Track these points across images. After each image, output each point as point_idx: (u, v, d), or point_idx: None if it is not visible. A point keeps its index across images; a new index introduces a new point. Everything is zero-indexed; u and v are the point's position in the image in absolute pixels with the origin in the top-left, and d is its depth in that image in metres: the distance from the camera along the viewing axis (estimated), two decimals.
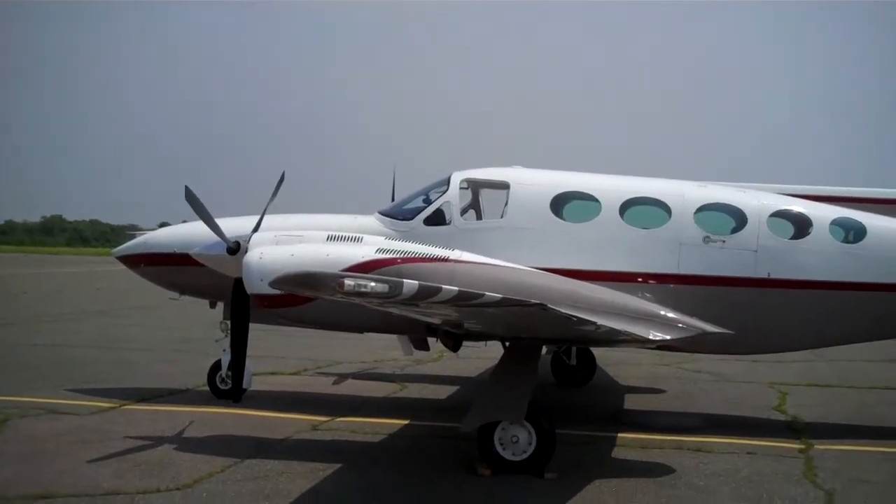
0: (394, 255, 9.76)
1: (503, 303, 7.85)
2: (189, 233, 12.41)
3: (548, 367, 15.75)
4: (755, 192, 12.35)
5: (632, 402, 14.56)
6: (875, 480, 9.94)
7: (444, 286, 7.46)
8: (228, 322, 11.71)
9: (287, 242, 10.30)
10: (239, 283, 10.20)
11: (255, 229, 11.02)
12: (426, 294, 7.31)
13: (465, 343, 11.15)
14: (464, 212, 12.28)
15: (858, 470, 10.35)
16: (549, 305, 8.16)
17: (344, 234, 10.47)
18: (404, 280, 7.26)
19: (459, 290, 7.49)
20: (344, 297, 7.24)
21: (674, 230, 11.62)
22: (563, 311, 8.50)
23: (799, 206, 12.13)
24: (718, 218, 11.91)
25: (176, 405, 13.08)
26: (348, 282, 7.00)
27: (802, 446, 11.50)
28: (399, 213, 12.09)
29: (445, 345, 10.96)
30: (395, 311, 8.45)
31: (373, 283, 7.08)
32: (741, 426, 12.73)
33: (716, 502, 8.96)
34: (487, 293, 7.77)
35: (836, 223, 11.91)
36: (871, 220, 11.99)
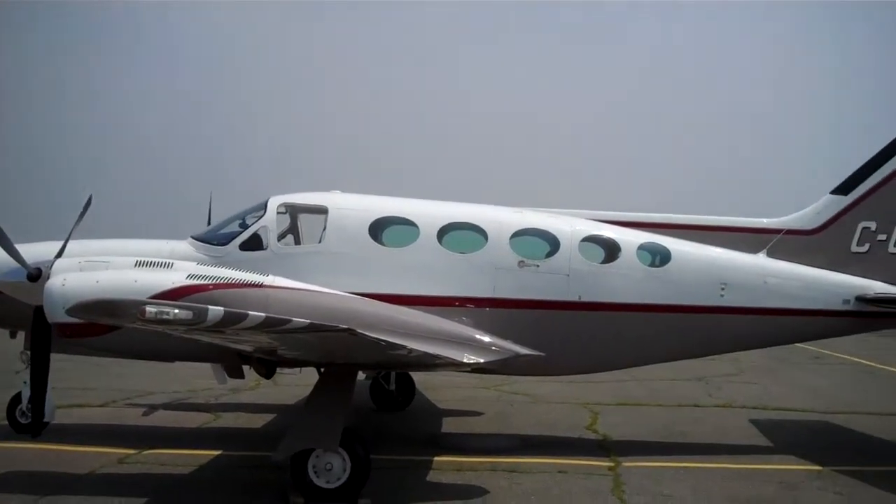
0: (205, 282, 9.52)
1: (311, 328, 7.77)
2: None
3: (367, 393, 15.70)
4: (568, 217, 12.71)
5: (449, 426, 14.66)
6: (677, 495, 10.38)
7: (250, 312, 7.33)
8: (29, 352, 11.08)
9: (93, 269, 9.85)
10: (40, 311, 9.69)
11: (59, 255, 10.49)
12: (232, 321, 7.16)
13: (284, 370, 10.98)
14: (282, 237, 12.08)
15: (662, 485, 10.78)
16: (358, 331, 8.13)
17: (154, 259, 10.11)
18: (209, 307, 7.09)
19: (266, 317, 7.37)
20: (146, 325, 7.00)
21: (490, 255, 11.81)
22: (373, 336, 8.48)
23: (609, 232, 12.55)
24: (533, 243, 12.18)
25: None
26: (150, 309, 6.79)
27: (611, 464, 11.87)
28: (214, 238, 11.78)
29: (258, 372, 10.74)
30: (202, 338, 8.22)
31: (176, 311, 6.88)
32: (554, 446, 13.02)
33: None
34: (295, 318, 7.68)
35: (643, 248, 12.40)
36: (675, 245, 12.55)
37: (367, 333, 8.37)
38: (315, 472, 9.53)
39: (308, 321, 7.79)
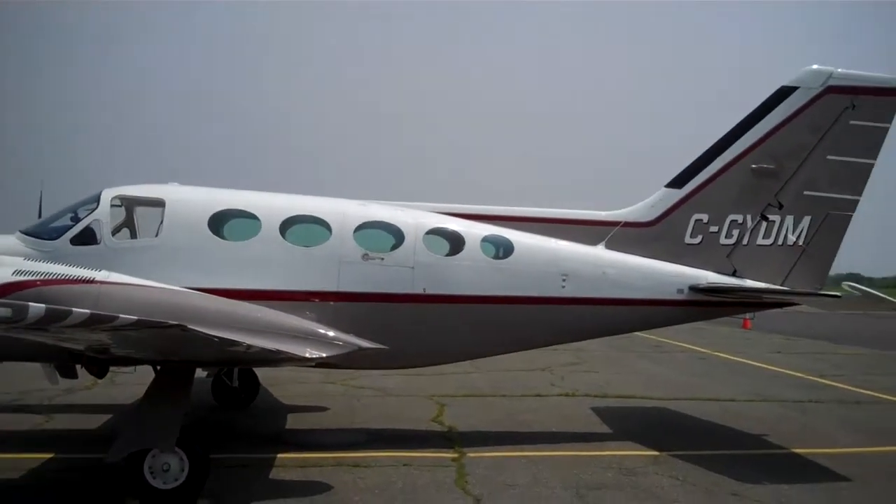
0: (33, 278, 9.06)
1: (140, 324, 7.49)
2: None
3: (209, 390, 15.31)
4: (412, 210, 12.69)
5: (294, 422, 14.44)
6: (519, 483, 10.53)
7: (74, 309, 6.99)
8: None
9: None
10: None
11: None
12: (55, 318, 6.82)
13: (119, 369, 10.59)
14: (116, 231, 11.59)
15: (505, 475, 10.91)
16: (190, 327, 7.88)
17: None
18: (29, 304, 6.73)
19: (91, 313, 7.05)
20: None
21: (334, 248, 11.68)
22: (206, 332, 8.24)
23: (453, 224, 12.61)
24: (378, 236, 12.12)
25: None
26: None
27: (456, 455, 11.95)
28: (43, 232, 11.20)
29: (90, 371, 10.32)
30: (26, 337, 7.81)
31: None
32: (400, 439, 13.00)
33: None
34: (122, 315, 7.38)
35: (487, 240, 12.52)
36: (518, 238, 12.72)
37: (199, 329, 8.12)
38: (151, 473, 9.21)
39: (136, 318, 7.49)
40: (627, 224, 13.67)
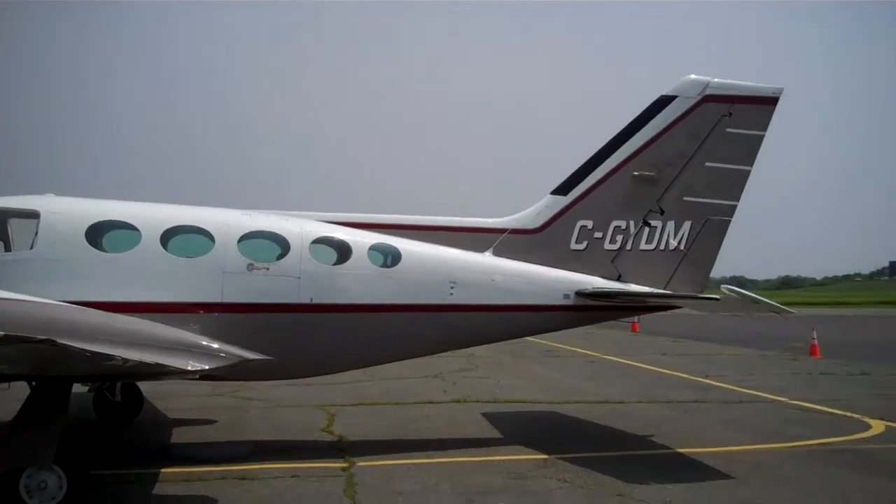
0: None
1: (6, 340, 7.21)
2: None
3: (90, 405, 14.85)
4: (298, 219, 12.59)
5: (180, 436, 14.11)
6: (408, 491, 10.51)
7: None
8: None
9: None
10: None
11: None
12: None
13: None
14: None
15: (394, 483, 10.87)
16: (60, 341, 7.62)
17: None
18: None
19: None
20: None
21: (217, 258, 11.52)
22: (78, 346, 7.99)
23: (340, 233, 12.56)
24: (262, 245, 12.00)
25: None
26: None
27: (346, 465, 11.85)
28: None
29: None
30: None
31: None
32: (288, 450, 12.83)
33: None
34: None
35: (375, 248, 12.52)
36: (406, 246, 12.75)
37: (69, 344, 7.86)
38: (28, 493, 8.89)
39: (2, 333, 7.21)
40: (514, 231, 13.83)
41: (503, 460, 12.33)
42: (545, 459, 12.37)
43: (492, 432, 14.68)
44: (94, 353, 8.24)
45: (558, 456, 12.51)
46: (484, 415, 16.33)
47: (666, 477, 11.33)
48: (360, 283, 12.15)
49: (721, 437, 14.37)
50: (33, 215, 11.23)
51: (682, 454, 12.97)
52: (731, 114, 14.21)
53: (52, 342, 7.50)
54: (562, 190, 14.18)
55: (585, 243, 14.04)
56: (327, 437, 13.98)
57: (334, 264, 12.18)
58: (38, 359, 8.39)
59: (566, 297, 13.34)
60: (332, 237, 12.45)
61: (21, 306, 9.27)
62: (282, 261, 11.82)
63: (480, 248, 13.57)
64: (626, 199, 14.12)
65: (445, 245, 13.26)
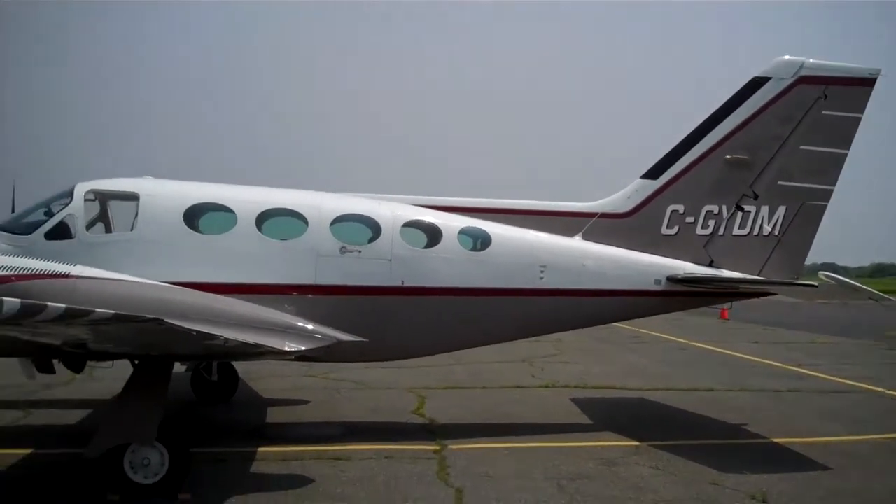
0: (7, 272, 9.01)
1: (116, 319, 7.43)
2: None
3: (188, 384, 15.24)
4: (390, 203, 12.68)
5: (274, 416, 14.39)
6: (500, 475, 10.54)
7: (49, 304, 6.93)
8: None
9: None
10: None
11: None
12: (30, 312, 6.76)
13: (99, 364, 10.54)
14: (91, 225, 11.51)
15: (486, 466, 10.92)
16: (167, 321, 7.83)
17: None
18: (4, 298, 6.65)
19: (67, 308, 6.99)
20: None
21: (311, 241, 11.66)
22: (184, 325, 8.20)
23: (430, 217, 12.61)
24: (355, 228, 12.11)
25: None
26: None
27: (437, 447, 11.95)
28: (17, 227, 11.10)
29: (67, 366, 10.26)
30: (0, 332, 7.74)
31: None
32: (380, 432, 12.97)
33: None
34: (98, 309, 7.32)
35: (465, 232, 12.53)
36: (495, 229, 12.74)
37: (176, 323, 8.08)
38: (132, 468, 9.19)
39: (112, 312, 7.44)
40: (604, 215, 13.72)
41: (593, 446, 12.31)
42: (636, 446, 12.30)
43: (581, 418, 14.65)
44: (198, 334, 8.45)
45: (649, 443, 12.44)
46: (573, 400, 16.30)
47: (760, 466, 11.18)
48: (450, 267, 12.19)
49: (816, 427, 14.10)
50: (133, 198, 11.51)
51: (776, 444, 12.78)
52: (826, 96, 13.86)
53: (159, 322, 7.71)
54: (652, 174, 14.02)
55: (677, 228, 13.87)
56: (418, 420, 14.12)
57: (425, 248, 12.24)
58: (144, 338, 8.63)
59: (657, 282, 13.20)
60: (422, 220, 12.51)
61: (128, 287, 9.57)
62: (373, 244, 11.93)
63: (570, 233, 13.50)
64: (719, 183, 13.89)
65: (534, 229, 13.24)
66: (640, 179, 14.02)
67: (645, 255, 13.42)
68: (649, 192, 13.87)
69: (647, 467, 11.13)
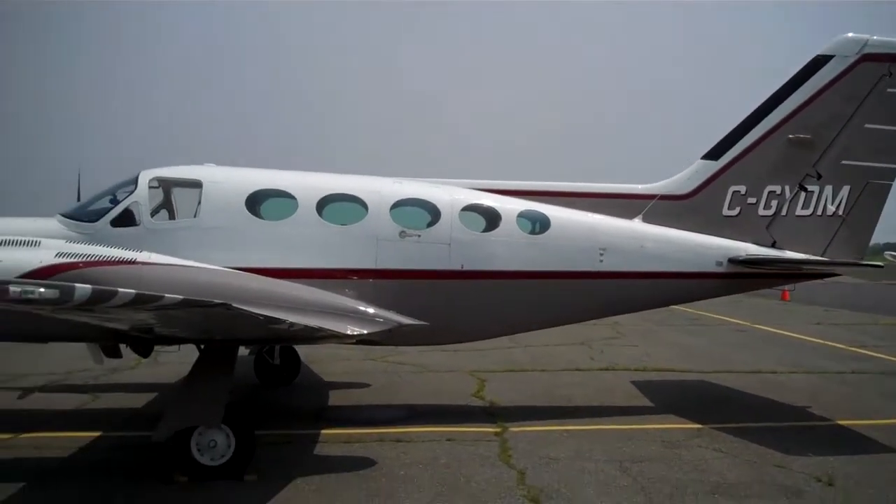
0: (76, 259, 9.18)
1: (185, 304, 7.56)
2: None
3: (251, 368, 15.47)
4: (448, 187, 12.71)
5: (336, 398, 14.55)
6: (562, 457, 10.57)
7: (120, 290, 7.07)
8: None
9: None
10: None
11: None
12: (101, 298, 6.91)
13: (162, 348, 10.76)
14: (155, 212, 11.70)
15: (548, 449, 10.96)
16: (234, 305, 7.96)
17: (19, 238, 9.71)
18: (76, 285, 6.81)
19: (137, 293, 7.13)
20: (11, 305, 6.70)
21: (371, 226, 11.74)
22: (250, 310, 8.33)
23: (489, 200, 12.62)
24: (414, 213, 12.16)
25: None
26: (13, 288, 6.49)
27: (498, 430, 12.01)
28: (83, 215, 11.34)
29: (135, 350, 10.48)
30: (72, 317, 7.93)
31: (41, 290, 6.59)
32: (441, 414, 13.07)
33: (416, 490, 9.16)
34: (167, 295, 7.46)
35: (523, 215, 12.52)
36: (554, 212, 12.71)
37: (243, 308, 8.21)
38: (198, 450, 9.40)
39: (181, 297, 7.57)
40: (664, 197, 13.62)
41: (655, 429, 12.27)
42: (699, 429, 12.23)
43: (642, 400, 14.60)
44: (265, 318, 8.57)
45: (712, 426, 12.37)
46: (633, 383, 16.25)
47: (826, 449, 11.06)
48: (508, 250, 12.19)
49: (882, 409, 13.90)
50: (196, 185, 11.69)
51: (841, 426, 12.61)
52: (891, 73, 13.59)
53: (227, 307, 7.84)
54: (713, 154, 13.87)
55: (738, 209, 13.71)
56: (478, 403, 14.18)
57: (483, 231, 12.25)
58: (211, 323, 8.77)
59: (719, 264, 13.08)
60: (480, 204, 12.52)
61: (193, 273, 9.73)
62: (432, 228, 11.97)
63: (628, 216, 13.42)
64: (781, 163, 13.70)
65: (593, 212, 13.19)
66: (700, 160, 13.89)
67: (706, 237, 13.30)
68: (710, 172, 13.73)
69: (711, 449, 11.07)
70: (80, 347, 11.88)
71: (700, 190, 13.73)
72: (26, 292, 6.51)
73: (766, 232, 13.64)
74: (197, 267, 9.92)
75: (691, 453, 10.89)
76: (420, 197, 12.27)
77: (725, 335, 25.98)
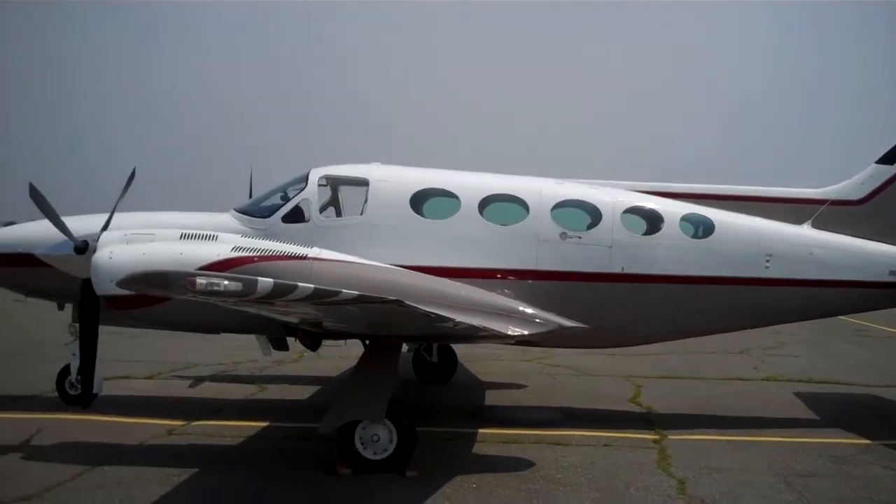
0: (250, 254, 9.58)
1: (360, 300, 7.79)
2: (34, 232, 11.60)
3: (409, 365, 15.76)
4: (609, 188, 12.61)
5: (493, 398, 14.67)
6: (724, 468, 10.32)
7: (299, 284, 7.35)
8: (77, 325, 11.21)
9: (138, 241, 9.96)
10: (87, 283, 9.79)
11: (105, 228, 10.58)
12: (281, 292, 7.19)
13: (325, 342, 11.07)
14: (323, 209, 12.06)
15: (708, 458, 10.73)
16: (407, 302, 8.14)
17: (198, 232, 10.21)
18: (258, 278, 7.12)
19: (315, 288, 7.39)
20: (196, 296, 7.05)
21: (532, 227, 11.75)
22: (421, 308, 8.49)
23: (651, 203, 12.44)
24: (574, 214, 12.11)
25: (23, 412, 12.48)
26: (200, 281, 6.82)
27: (657, 437, 11.84)
28: (256, 211, 11.83)
29: (304, 344, 10.80)
30: (250, 310, 8.27)
31: (226, 282, 6.91)
32: (598, 419, 12.98)
33: (573, 494, 9.12)
34: (344, 290, 7.70)
35: (686, 219, 12.29)
36: (718, 216, 12.42)
37: (415, 305, 8.38)
38: (362, 444, 9.63)
39: (357, 293, 7.80)
40: (835, 202, 13.15)
41: (820, 443, 11.81)
42: (867, 445, 11.71)
43: (806, 413, 14.09)
44: (436, 316, 8.73)
45: (881, 442, 11.82)
46: (796, 394, 15.69)
47: None
48: (671, 254, 11.98)
49: None
50: (363, 183, 11.97)
51: None
52: None
53: (400, 303, 8.03)
54: (888, 159, 13.31)
55: None
56: (636, 408, 14.03)
57: (645, 234, 12.08)
58: (380, 319, 8.98)
59: (893, 273, 12.50)
60: (643, 207, 12.35)
61: (362, 269, 10.00)
62: (593, 230, 11.88)
63: (796, 221, 13.01)
64: None
65: (759, 216, 12.83)
66: (874, 165, 13.35)
67: (880, 245, 12.73)
68: (885, 177, 13.18)
69: (881, 466, 10.60)
70: (244, 339, 12.36)
71: (874, 195, 13.20)
72: (212, 284, 6.84)
73: None
74: (364, 264, 10.20)
75: (860, 469, 10.46)
76: (581, 198, 12.20)
77: (894, 348, 24.79)
